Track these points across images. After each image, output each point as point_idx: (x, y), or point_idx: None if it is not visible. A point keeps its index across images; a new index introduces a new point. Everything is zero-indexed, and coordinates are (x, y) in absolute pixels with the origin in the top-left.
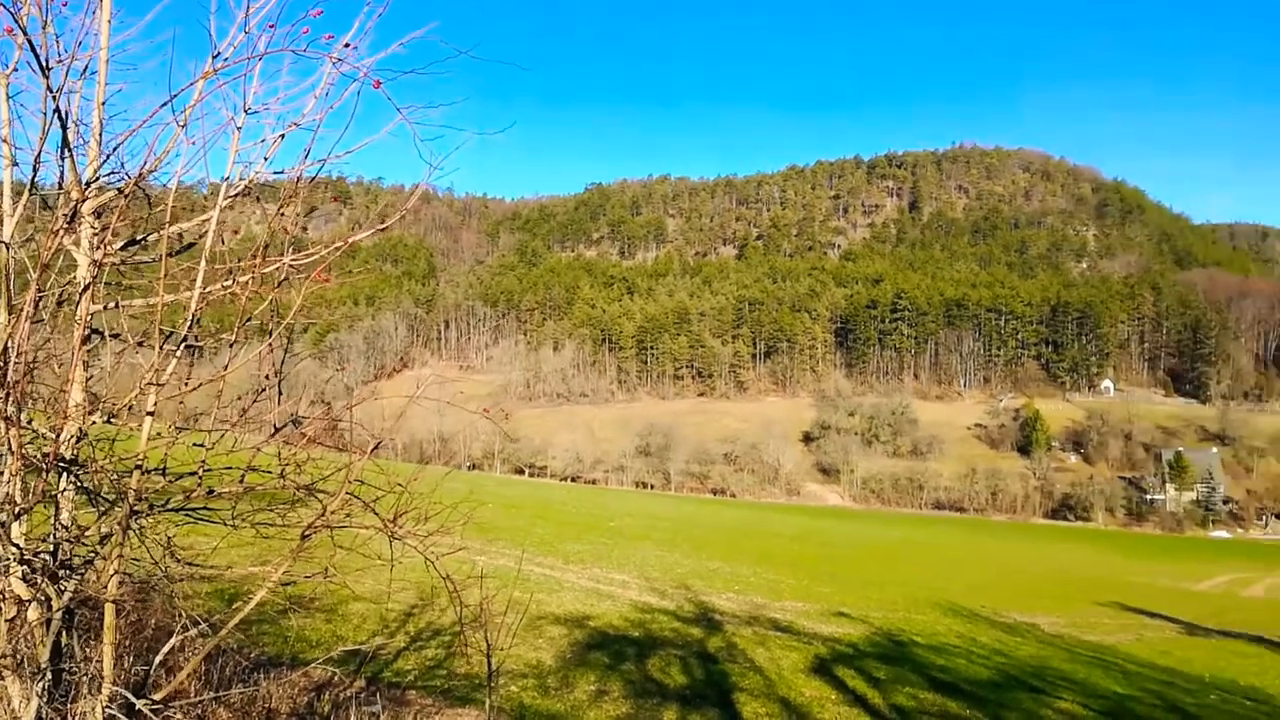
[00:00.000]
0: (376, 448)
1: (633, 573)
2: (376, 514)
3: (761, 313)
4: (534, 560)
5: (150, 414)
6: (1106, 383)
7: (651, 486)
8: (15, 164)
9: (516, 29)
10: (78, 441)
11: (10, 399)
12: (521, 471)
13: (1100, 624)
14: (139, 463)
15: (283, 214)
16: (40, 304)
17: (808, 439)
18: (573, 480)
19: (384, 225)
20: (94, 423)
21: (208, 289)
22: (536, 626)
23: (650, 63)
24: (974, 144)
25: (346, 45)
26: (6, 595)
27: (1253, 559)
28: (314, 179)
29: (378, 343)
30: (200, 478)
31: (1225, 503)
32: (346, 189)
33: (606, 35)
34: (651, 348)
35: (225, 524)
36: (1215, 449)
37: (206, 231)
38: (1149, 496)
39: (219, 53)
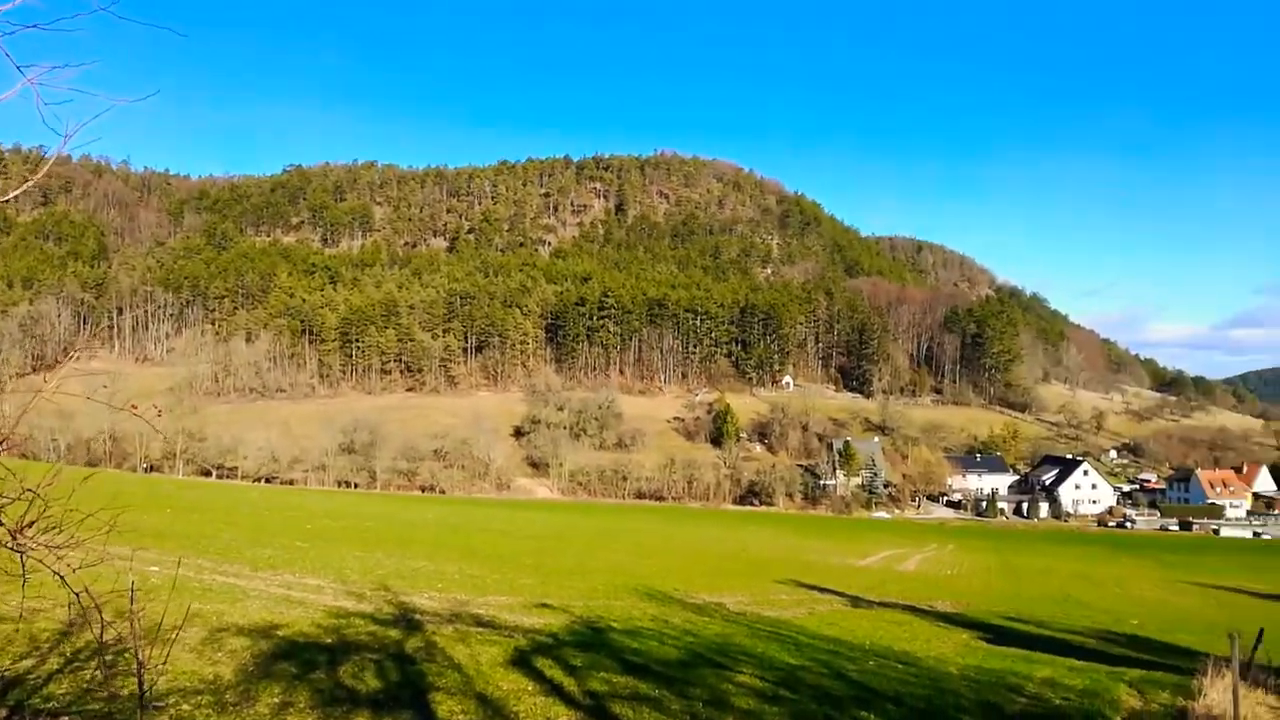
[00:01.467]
0: None
1: (329, 577)
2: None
3: (473, 307)
4: (218, 568)
5: None
6: (787, 379)
7: (356, 485)
8: None
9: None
10: None
11: None
12: (209, 473)
13: (779, 600)
14: None
15: None
16: None
17: (518, 433)
18: (267, 481)
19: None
20: None
21: None
22: (217, 639)
23: (350, 49)
24: (674, 152)
25: None
26: None
27: (907, 536)
28: None
29: (36, 331)
30: None
31: (885, 486)
32: (1, 155)
33: (307, 14)
34: (357, 340)
35: None
36: (877, 438)
37: None
38: (822, 482)
39: None
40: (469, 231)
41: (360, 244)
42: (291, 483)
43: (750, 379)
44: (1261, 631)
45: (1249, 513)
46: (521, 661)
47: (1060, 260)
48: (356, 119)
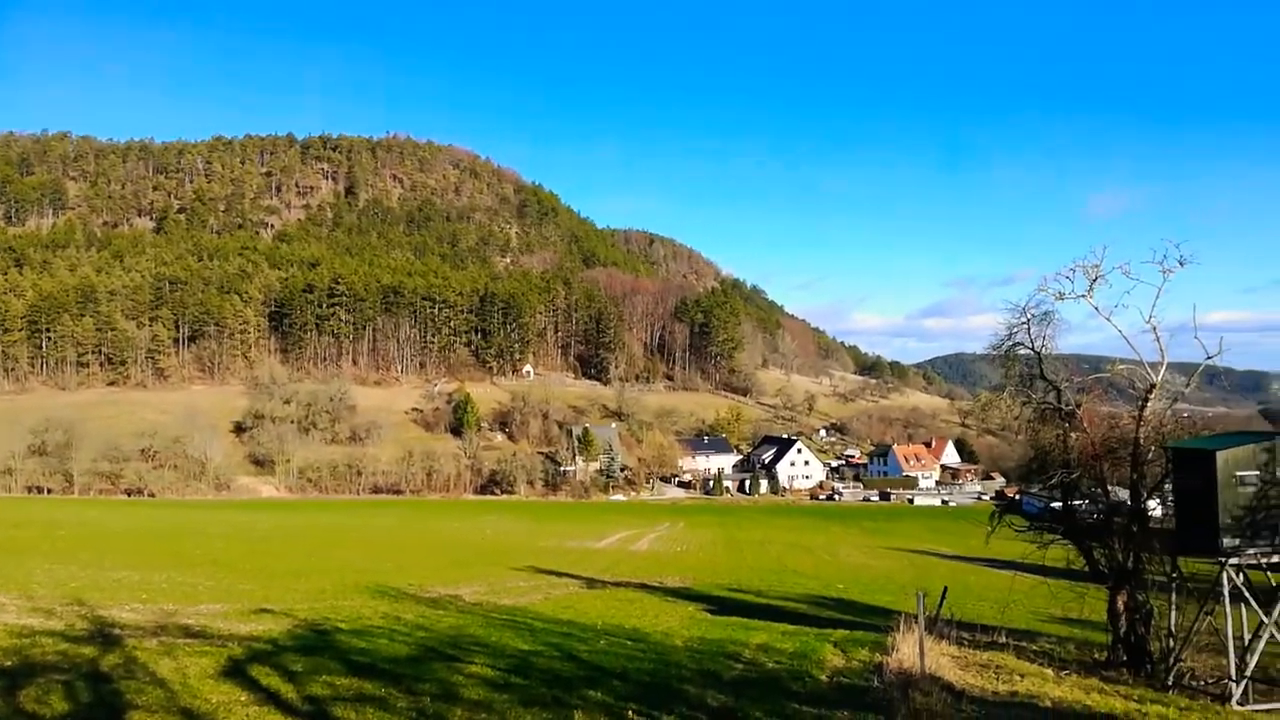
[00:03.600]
0: None
1: (12, 592)
2: None
3: (185, 293)
4: None
5: None
6: (528, 368)
7: (49, 491)
8: None
9: None
10: None
11: None
12: None
13: (516, 588)
14: None
15: None
16: None
17: (240, 429)
18: None
19: None
20: None
21: None
22: None
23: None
24: (407, 136)
25: None
26: None
27: (642, 517)
28: None
29: None
30: None
31: (622, 470)
32: None
33: None
34: (48, 330)
35: None
36: (614, 424)
37: None
38: (563, 468)
39: None
40: (179, 211)
41: (51, 223)
42: None
43: (491, 368)
44: (945, 590)
45: (938, 483)
46: (235, 671)
47: (776, 255)
48: (43, 83)
